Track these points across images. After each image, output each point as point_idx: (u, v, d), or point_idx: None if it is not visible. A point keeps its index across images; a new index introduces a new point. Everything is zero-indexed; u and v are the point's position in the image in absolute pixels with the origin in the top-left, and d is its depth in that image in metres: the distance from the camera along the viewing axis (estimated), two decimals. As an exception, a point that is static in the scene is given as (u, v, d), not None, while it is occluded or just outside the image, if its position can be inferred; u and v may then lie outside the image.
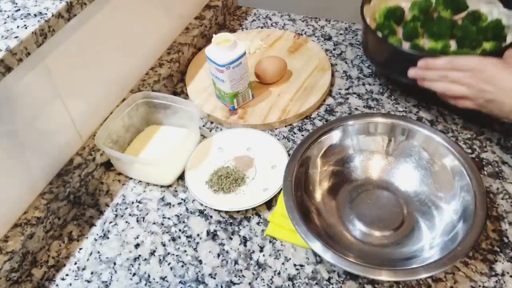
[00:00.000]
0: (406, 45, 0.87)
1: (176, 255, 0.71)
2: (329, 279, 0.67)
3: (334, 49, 1.03)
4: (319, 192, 0.74)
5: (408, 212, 0.72)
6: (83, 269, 0.71)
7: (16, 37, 0.60)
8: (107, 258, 0.72)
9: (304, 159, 0.73)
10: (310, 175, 0.74)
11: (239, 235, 0.73)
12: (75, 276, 0.70)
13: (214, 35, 0.83)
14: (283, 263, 0.69)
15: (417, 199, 0.73)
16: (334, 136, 0.77)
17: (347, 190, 0.76)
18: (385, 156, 0.77)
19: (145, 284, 0.68)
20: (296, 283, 0.67)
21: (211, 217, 0.75)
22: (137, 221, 0.76)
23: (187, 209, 0.77)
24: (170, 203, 0.78)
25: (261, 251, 0.71)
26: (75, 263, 0.71)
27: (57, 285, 0.69)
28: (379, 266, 0.60)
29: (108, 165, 0.83)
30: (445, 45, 0.84)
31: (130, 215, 0.77)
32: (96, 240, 0.74)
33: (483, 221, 0.63)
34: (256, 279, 0.67)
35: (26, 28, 0.61)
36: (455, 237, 0.64)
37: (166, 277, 0.69)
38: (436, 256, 0.62)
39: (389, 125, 0.76)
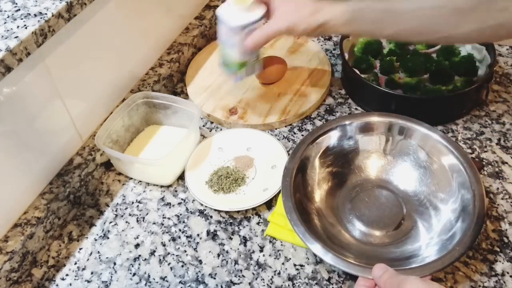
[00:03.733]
0: (382, 79, 0.89)
1: (176, 255, 0.71)
2: (329, 279, 0.67)
3: (334, 49, 1.03)
4: (318, 192, 0.74)
5: (407, 211, 0.72)
6: (83, 269, 0.71)
7: (16, 37, 0.60)
8: (107, 258, 0.72)
9: (303, 159, 0.73)
10: (309, 175, 0.74)
11: (239, 235, 0.73)
12: (75, 276, 0.70)
13: None
14: (283, 263, 0.69)
15: (415, 198, 0.73)
16: (333, 136, 0.77)
17: (346, 190, 0.76)
18: (384, 155, 0.77)
19: (145, 284, 0.68)
20: (296, 283, 0.67)
21: (211, 217, 0.75)
22: (137, 221, 0.76)
23: (187, 209, 0.77)
24: (170, 203, 0.78)
25: (261, 251, 0.71)
26: (75, 263, 0.71)
27: (57, 285, 0.69)
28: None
29: (108, 165, 0.83)
30: (420, 80, 0.87)
31: (130, 215, 0.77)
32: (96, 240, 0.74)
33: (482, 220, 0.63)
34: (256, 279, 0.67)
35: (26, 28, 0.61)
36: (454, 236, 0.64)
37: (166, 277, 0.69)
38: (435, 255, 0.62)
39: (386, 123, 0.76)
